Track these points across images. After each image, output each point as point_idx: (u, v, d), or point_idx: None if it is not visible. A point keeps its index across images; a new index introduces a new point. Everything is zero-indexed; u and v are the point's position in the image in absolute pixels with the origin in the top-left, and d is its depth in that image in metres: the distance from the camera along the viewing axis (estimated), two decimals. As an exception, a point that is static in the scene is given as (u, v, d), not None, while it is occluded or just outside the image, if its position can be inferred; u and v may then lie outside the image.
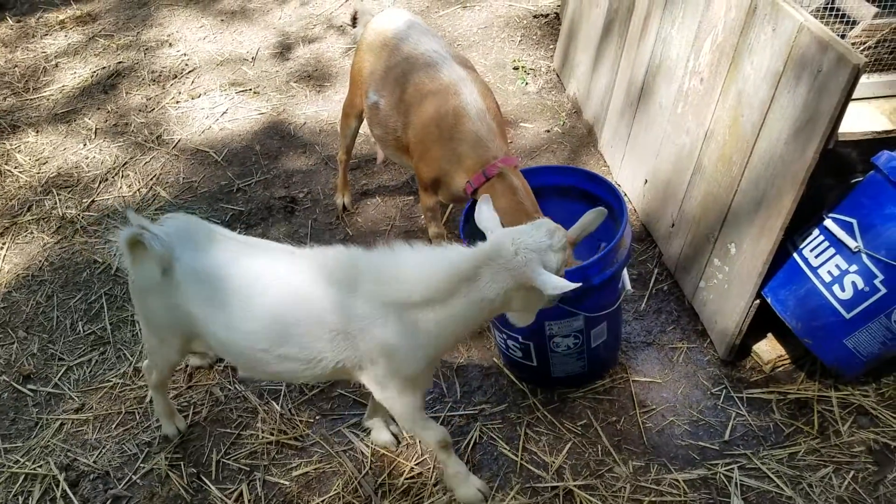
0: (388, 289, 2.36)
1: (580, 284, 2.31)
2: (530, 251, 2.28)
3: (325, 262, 2.46)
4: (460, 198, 3.26)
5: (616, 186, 3.13)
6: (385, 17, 3.63)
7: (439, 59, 3.31)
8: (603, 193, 3.15)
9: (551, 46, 5.33)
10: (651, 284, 3.63)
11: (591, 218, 2.61)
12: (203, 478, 3.01)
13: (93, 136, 4.95)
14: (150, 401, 3.29)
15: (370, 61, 3.55)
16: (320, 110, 4.99)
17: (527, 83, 5.05)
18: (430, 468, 2.97)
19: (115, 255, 2.59)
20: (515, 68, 5.18)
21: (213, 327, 2.49)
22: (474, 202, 3.09)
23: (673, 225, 3.58)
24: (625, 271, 3.01)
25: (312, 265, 2.46)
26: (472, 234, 3.09)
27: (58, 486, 3.03)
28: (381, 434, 3.08)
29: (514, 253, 2.28)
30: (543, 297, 2.36)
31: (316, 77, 5.32)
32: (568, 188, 3.25)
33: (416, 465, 2.99)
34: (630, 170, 4.07)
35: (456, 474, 2.75)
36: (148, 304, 2.64)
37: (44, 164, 4.76)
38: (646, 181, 3.87)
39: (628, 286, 3.04)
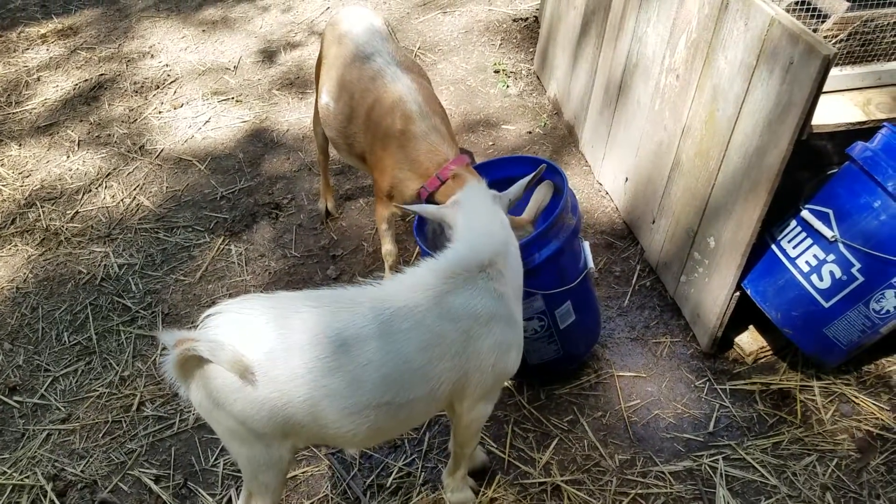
0: (487, 256, 2.34)
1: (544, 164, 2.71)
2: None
3: (416, 280, 2.31)
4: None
5: (555, 163, 3.05)
6: (343, 14, 3.61)
7: (384, 63, 3.30)
8: (549, 175, 3.07)
9: (531, 49, 5.37)
10: (634, 281, 3.66)
11: (541, 193, 2.81)
12: (191, 484, 3.01)
13: (76, 148, 4.94)
14: (136, 409, 3.29)
15: (327, 58, 3.54)
16: (303, 117, 5.01)
17: (507, 86, 5.08)
18: (418, 468, 2.98)
19: (171, 383, 2.21)
20: (496, 71, 5.21)
21: (313, 406, 2.15)
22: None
23: (654, 221, 3.62)
24: (587, 250, 2.97)
25: (407, 288, 2.29)
26: (431, 238, 3.08)
27: (45, 496, 3.02)
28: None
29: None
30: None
31: (298, 84, 5.33)
32: (519, 178, 3.19)
33: (404, 464, 3.00)
34: (611, 168, 4.10)
35: (463, 477, 2.79)
36: (234, 414, 2.17)
37: (27, 176, 4.76)
38: (626, 179, 3.90)
39: (591, 264, 2.98)
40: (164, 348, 2.12)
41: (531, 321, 2.96)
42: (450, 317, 2.25)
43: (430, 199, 3.04)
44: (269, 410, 2.14)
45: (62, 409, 3.36)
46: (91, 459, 3.15)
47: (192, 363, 2.14)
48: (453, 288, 2.28)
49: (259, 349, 2.12)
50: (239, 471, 3.03)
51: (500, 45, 5.49)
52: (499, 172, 3.18)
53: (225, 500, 2.94)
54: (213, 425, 2.30)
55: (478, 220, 2.44)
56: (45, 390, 3.45)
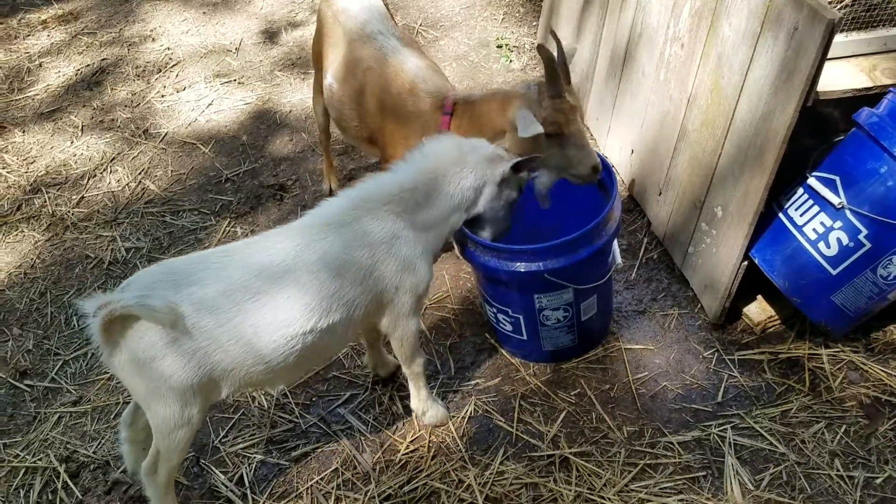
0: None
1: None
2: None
3: (324, 213, 2.59)
4: None
5: (605, 158, 3.13)
6: None
7: (388, 42, 3.28)
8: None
9: (534, 23, 5.32)
10: (641, 254, 3.64)
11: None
12: (203, 462, 3.03)
13: (79, 134, 4.94)
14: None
15: (329, 37, 3.51)
16: (305, 98, 4.98)
17: (511, 60, 5.04)
18: (425, 444, 2.99)
19: (96, 348, 2.34)
20: (499, 46, 5.17)
21: (244, 346, 2.35)
22: None
23: (660, 193, 3.60)
24: (615, 245, 3.02)
25: (312, 224, 2.56)
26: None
27: (58, 477, 3.05)
28: (389, 364, 3.21)
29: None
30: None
31: (300, 65, 5.31)
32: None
33: (411, 441, 3.01)
34: (616, 141, 4.07)
35: (428, 396, 3.01)
36: (159, 371, 2.31)
37: (32, 163, 4.76)
38: (632, 151, 3.87)
39: (619, 260, 3.04)
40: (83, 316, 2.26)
41: (556, 311, 2.99)
42: (354, 245, 2.51)
43: None
44: (198, 361, 2.33)
45: (73, 391, 3.39)
46: (103, 441, 3.17)
47: (116, 327, 2.26)
48: (355, 218, 2.55)
49: (184, 302, 2.28)
50: (250, 448, 3.05)
51: (503, 19, 5.45)
52: None
53: (237, 476, 2.97)
54: (134, 387, 2.43)
55: (404, 164, 2.68)
56: (55, 374, 3.48)
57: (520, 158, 2.66)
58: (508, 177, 2.68)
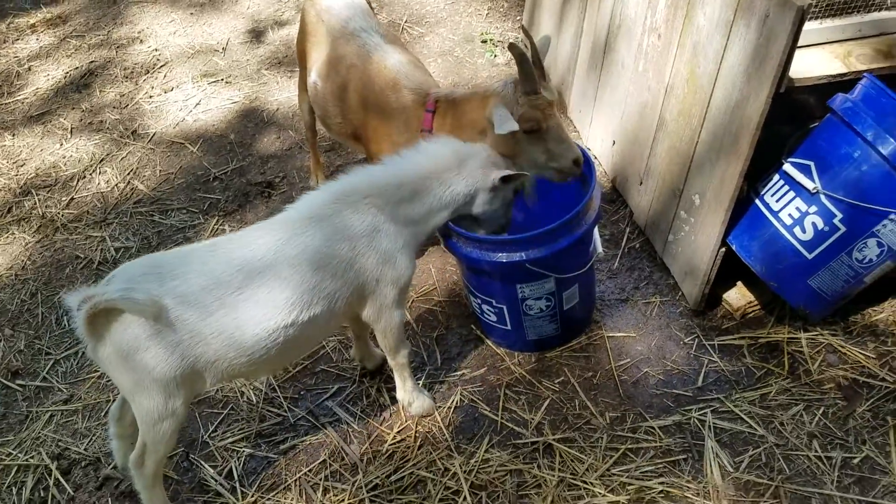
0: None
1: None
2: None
3: (306, 207, 2.62)
4: None
5: (586, 150, 3.16)
6: None
7: (371, 38, 3.31)
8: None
9: (518, 17, 5.35)
10: (623, 243, 3.68)
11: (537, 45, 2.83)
12: (192, 456, 3.07)
13: (69, 136, 4.98)
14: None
15: (313, 36, 3.54)
16: (292, 96, 5.01)
17: (495, 55, 5.08)
18: (412, 434, 3.03)
19: (82, 341, 2.38)
20: (483, 41, 5.21)
21: (226, 339, 2.39)
22: None
23: (641, 183, 3.63)
24: (596, 234, 3.05)
25: (293, 218, 2.60)
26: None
27: (50, 474, 3.08)
28: (375, 357, 3.24)
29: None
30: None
31: (286, 63, 5.34)
32: None
33: (398, 431, 3.05)
34: (598, 132, 4.11)
35: (414, 387, 3.04)
36: (143, 363, 2.35)
37: (21, 165, 4.80)
38: (614, 142, 3.91)
39: (600, 249, 3.08)
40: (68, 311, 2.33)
41: (539, 301, 3.02)
42: (335, 238, 2.54)
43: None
44: (180, 353, 2.37)
45: (64, 390, 3.43)
46: (94, 438, 3.21)
47: (100, 320, 2.31)
48: (335, 211, 2.57)
49: (167, 295, 2.32)
50: (239, 442, 3.09)
51: (488, 14, 5.48)
52: None
53: (225, 470, 3.00)
54: (119, 380, 2.48)
55: (397, 159, 2.72)
56: (46, 373, 3.52)
57: (508, 172, 2.70)
58: (499, 186, 2.71)
